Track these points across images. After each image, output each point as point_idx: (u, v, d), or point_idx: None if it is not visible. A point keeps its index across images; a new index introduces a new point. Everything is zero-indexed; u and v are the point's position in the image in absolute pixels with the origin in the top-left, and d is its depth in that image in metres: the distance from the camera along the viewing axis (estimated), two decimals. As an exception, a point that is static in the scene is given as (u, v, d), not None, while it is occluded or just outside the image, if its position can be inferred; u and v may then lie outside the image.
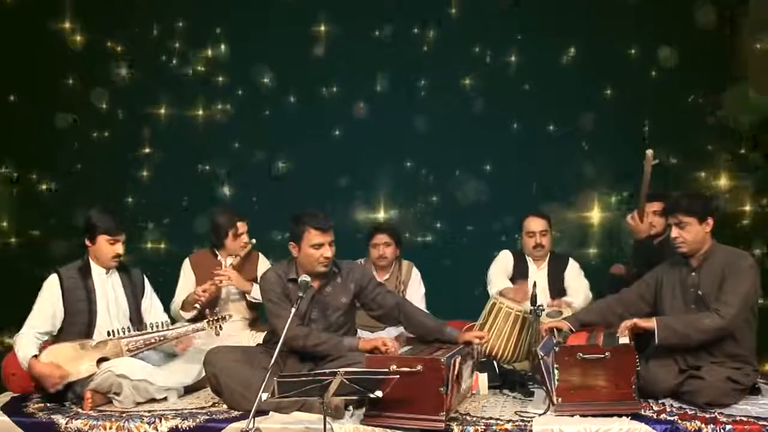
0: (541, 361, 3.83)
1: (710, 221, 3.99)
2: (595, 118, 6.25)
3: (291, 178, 6.58)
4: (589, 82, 6.27)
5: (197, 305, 4.78)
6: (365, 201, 6.57)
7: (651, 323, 3.88)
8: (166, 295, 4.83)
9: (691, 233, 3.98)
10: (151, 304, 4.44)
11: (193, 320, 4.78)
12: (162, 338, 4.19)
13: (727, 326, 3.83)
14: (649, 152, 4.57)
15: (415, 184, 6.57)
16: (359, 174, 6.53)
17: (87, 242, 4.26)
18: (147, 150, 6.63)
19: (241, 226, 4.97)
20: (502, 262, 5.22)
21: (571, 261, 5.21)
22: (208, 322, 4.29)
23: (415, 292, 5.23)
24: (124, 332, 4.13)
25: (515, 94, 6.40)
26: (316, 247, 4.06)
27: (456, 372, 3.77)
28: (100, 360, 4.02)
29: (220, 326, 4.29)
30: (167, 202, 6.61)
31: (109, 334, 4.11)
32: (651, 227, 4.68)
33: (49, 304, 4.15)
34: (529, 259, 5.20)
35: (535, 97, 6.37)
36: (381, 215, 6.52)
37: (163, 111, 6.65)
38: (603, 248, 6.30)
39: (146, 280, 4.46)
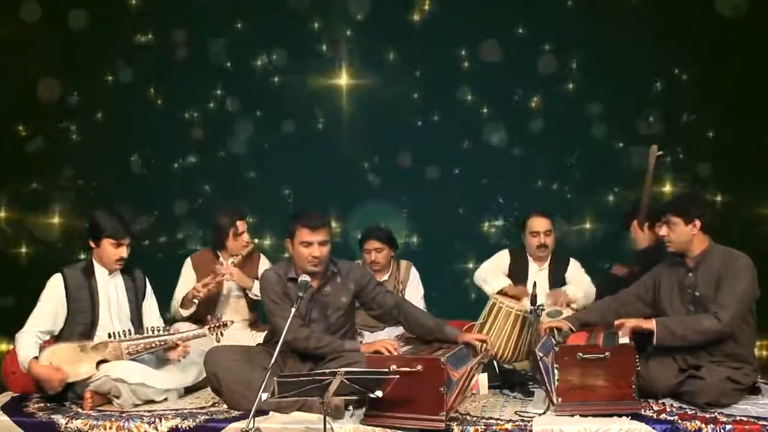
0: (540, 362, 3.83)
1: (697, 223, 3.99)
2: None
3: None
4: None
5: (195, 300, 4.78)
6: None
7: (651, 324, 3.89)
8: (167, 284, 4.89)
9: (676, 233, 4.01)
10: (149, 306, 4.43)
11: (192, 320, 4.80)
12: (163, 343, 4.18)
13: (725, 329, 3.84)
14: (654, 146, 4.57)
15: (417, 182, 6.58)
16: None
17: (92, 244, 4.25)
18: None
19: (241, 225, 4.96)
20: (498, 261, 5.20)
21: (572, 260, 5.19)
22: (209, 328, 4.29)
23: (414, 292, 5.20)
24: (125, 335, 4.13)
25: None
26: (305, 245, 4.04)
27: (467, 378, 3.78)
28: (100, 362, 4.02)
29: (221, 333, 4.28)
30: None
31: (110, 336, 4.11)
32: (649, 238, 4.75)
33: (52, 303, 4.15)
34: (529, 259, 5.19)
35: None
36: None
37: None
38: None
39: (147, 280, 4.46)
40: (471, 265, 6.40)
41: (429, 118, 6.56)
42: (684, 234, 4.00)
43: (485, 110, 6.51)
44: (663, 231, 4.06)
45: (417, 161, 6.53)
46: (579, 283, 5.07)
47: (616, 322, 3.95)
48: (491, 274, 5.08)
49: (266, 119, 6.63)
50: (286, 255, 4.24)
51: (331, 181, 6.44)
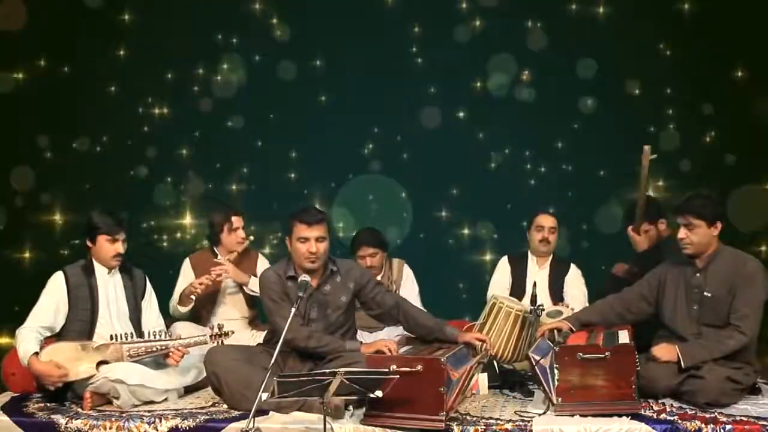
0: (536, 365, 3.82)
1: (719, 225, 3.98)
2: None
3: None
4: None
5: (193, 297, 4.78)
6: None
7: (674, 356, 3.87)
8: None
9: (698, 236, 3.98)
10: (149, 306, 4.44)
11: (191, 318, 4.82)
12: (164, 347, 4.17)
13: (750, 340, 3.88)
14: (647, 147, 4.56)
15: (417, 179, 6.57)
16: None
17: (88, 243, 4.31)
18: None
19: (237, 221, 4.96)
20: (498, 275, 5.23)
21: (573, 266, 5.18)
22: (211, 336, 4.27)
23: (410, 290, 5.16)
24: (126, 337, 4.15)
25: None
26: (302, 241, 4.05)
27: (467, 378, 3.77)
28: (100, 363, 4.02)
29: (222, 341, 4.26)
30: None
31: (112, 338, 4.11)
32: (648, 239, 4.78)
33: (54, 299, 4.18)
34: (531, 260, 5.18)
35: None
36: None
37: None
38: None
39: (148, 280, 4.49)
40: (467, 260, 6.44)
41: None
42: (706, 236, 3.98)
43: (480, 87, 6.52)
44: (681, 233, 4.00)
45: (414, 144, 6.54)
46: (575, 293, 5.05)
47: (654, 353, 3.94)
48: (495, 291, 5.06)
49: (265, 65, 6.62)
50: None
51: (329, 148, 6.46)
